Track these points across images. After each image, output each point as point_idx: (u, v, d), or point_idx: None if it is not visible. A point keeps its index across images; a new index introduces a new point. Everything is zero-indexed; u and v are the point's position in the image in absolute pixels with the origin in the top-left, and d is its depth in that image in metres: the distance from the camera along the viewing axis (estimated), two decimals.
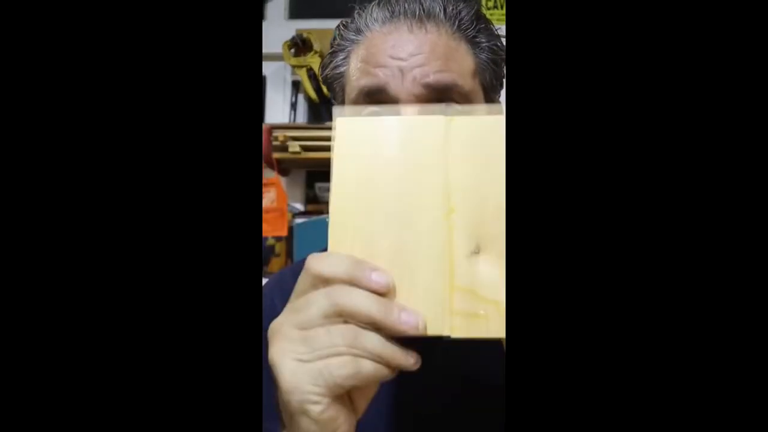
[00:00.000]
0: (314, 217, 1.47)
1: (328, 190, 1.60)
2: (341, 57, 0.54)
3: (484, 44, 0.52)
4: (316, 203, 1.60)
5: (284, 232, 1.45)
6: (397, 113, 0.49)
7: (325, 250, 0.33)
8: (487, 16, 0.55)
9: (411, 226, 0.33)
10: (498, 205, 0.33)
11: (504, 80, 0.56)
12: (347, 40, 0.53)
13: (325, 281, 0.31)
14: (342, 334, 0.30)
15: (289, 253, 1.49)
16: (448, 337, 0.32)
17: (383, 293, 0.31)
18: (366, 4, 0.53)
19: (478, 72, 0.51)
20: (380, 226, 0.33)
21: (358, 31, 0.52)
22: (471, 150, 0.34)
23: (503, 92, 0.57)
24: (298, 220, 1.47)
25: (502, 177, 0.33)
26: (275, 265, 1.50)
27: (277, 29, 1.61)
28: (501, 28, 0.54)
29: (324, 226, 1.40)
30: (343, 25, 0.54)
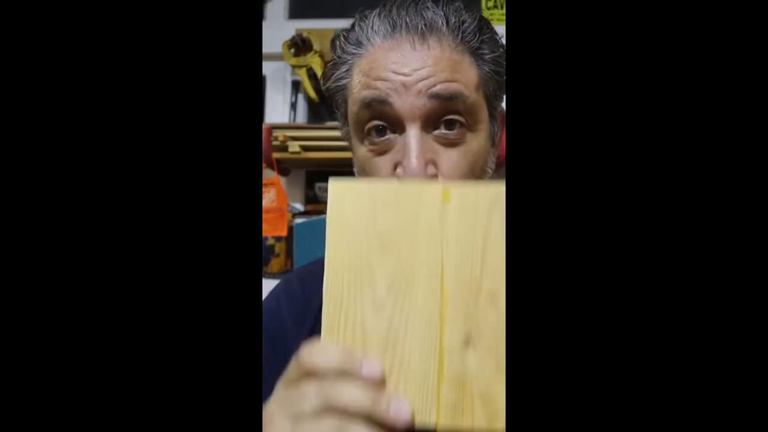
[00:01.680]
0: (314, 217, 1.47)
1: (327, 190, 1.60)
2: (343, 69, 0.53)
3: (487, 56, 0.51)
4: (316, 203, 1.60)
5: (284, 232, 1.45)
6: (402, 129, 0.48)
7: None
8: (487, 16, 0.54)
9: (403, 312, 0.33)
10: (493, 292, 0.32)
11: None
12: (348, 53, 0.52)
13: (316, 373, 0.32)
14: (331, 427, 0.31)
15: (289, 253, 1.49)
16: (434, 428, 0.32)
17: (374, 383, 0.32)
18: (366, 13, 0.52)
19: (482, 84, 0.51)
20: (372, 312, 0.33)
21: (359, 44, 0.52)
22: (468, 225, 0.33)
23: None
24: (298, 220, 1.47)
25: (502, 259, 0.32)
26: (275, 265, 1.49)
27: (277, 29, 1.60)
28: (501, 29, 0.53)
29: (324, 227, 1.40)
30: (344, 36, 0.53)
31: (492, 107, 0.52)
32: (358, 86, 0.51)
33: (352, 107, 0.51)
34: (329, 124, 1.52)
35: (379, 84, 0.48)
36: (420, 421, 0.32)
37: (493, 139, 0.53)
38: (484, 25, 0.52)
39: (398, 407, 0.31)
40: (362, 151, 0.51)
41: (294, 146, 1.44)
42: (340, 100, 0.55)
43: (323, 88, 0.57)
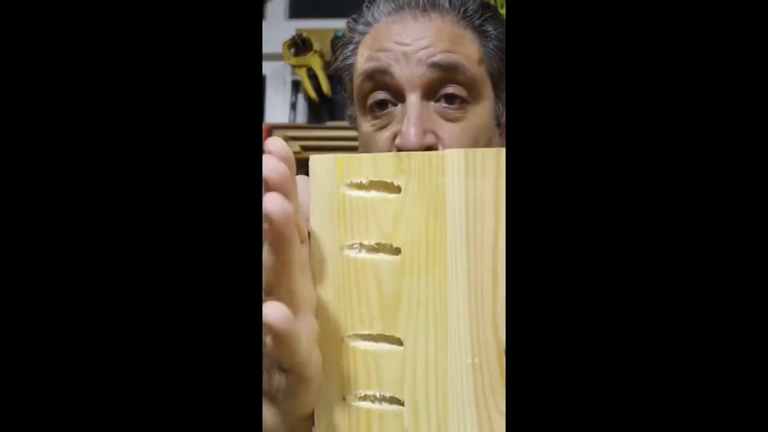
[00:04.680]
0: None
1: None
2: (350, 48, 0.55)
3: (491, 32, 0.52)
4: None
5: None
6: (403, 99, 0.48)
7: None
8: None
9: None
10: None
11: None
12: (356, 33, 0.54)
13: None
14: None
15: None
16: None
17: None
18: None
19: (485, 60, 0.51)
20: None
21: (367, 24, 0.53)
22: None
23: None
24: None
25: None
26: None
27: (277, 29, 1.61)
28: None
29: None
30: (353, 20, 0.55)
31: (497, 87, 0.52)
32: (362, 60, 0.51)
33: (356, 81, 0.52)
34: (329, 124, 1.52)
35: (381, 55, 0.49)
36: None
37: (498, 120, 0.53)
38: (488, 6, 0.53)
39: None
40: (365, 126, 0.52)
41: (294, 146, 1.44)
42: (346, 80, 0.56)
43: (331, 69, 0.59)
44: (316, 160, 0.31)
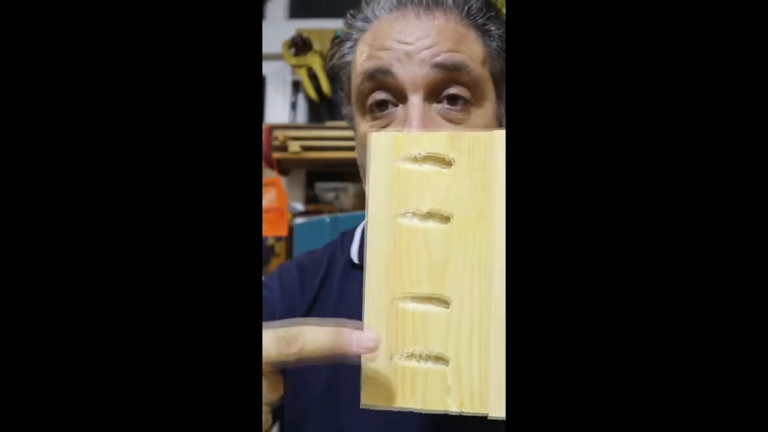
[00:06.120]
0: (314, 217, 1.47)
1: (327, 190, 1.60)
2: (348, 45, 0.53)
3: (494, 32, 0.51)
4: (316, 203, 1.60)
5: (284, 232, 1.45)
6: (405, 100, 0.47)
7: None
8: None
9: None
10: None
11: None
12: (354, 29, 0.52)
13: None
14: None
15: (289, 253, 1.49)
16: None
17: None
18: None
19: (488, 60, 0.50)
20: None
21: (366, 20, 0.52)
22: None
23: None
24: (298, 220, 1.47)
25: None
26: (275, 265, 1.49)
27: (277, 29, 1.61)
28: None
29: (324, 226, 1.41)
30: (351, 15, 0.54)
31: (499, 88, 0.51)
32: (361, 58, 0.50)
33: (355, 80, 0.51)
34: (329, 124, 1.52)
35: (382, 54, 0.48)
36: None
37: (500, 121, 0.52)
38: (491, 5, 0.52)
39: (366, 336, 0.30)
40: (363, 127, 0.50)
41: (294, 146, 1.44)
42: (344, 78, 0.54)
43: (327, 67, 0.57)
44: (376, 136, 0.34)
